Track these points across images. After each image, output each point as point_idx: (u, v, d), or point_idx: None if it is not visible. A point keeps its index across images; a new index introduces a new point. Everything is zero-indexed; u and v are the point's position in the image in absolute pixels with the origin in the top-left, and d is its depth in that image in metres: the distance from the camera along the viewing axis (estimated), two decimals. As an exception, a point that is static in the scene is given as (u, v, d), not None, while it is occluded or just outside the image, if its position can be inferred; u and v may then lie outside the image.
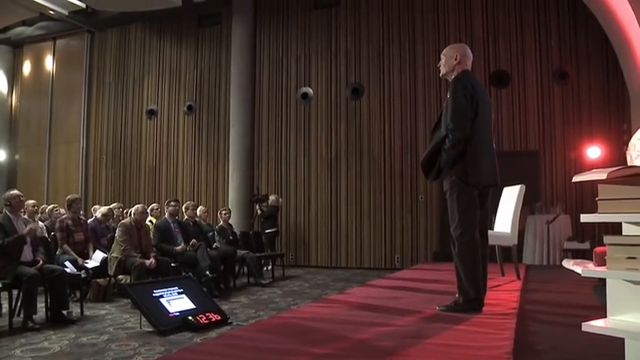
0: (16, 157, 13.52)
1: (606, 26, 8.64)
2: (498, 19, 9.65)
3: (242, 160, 10.90)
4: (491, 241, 4.17)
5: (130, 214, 6.46)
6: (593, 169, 2.33)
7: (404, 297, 4.61)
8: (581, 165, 8.58)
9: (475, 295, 3.63)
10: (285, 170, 10.82)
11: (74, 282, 5.28)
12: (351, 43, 10.56)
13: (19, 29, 13.41)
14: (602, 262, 2.57)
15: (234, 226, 8.46)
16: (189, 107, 11.78)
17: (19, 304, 4.57)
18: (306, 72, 10.87)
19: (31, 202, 6.91)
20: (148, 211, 6.97)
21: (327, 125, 10.58)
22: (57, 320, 4.54)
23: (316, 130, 10.66)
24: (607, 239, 2.12)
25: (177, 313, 4.23)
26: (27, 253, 4.76)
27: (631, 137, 2.59)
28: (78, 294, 5.35)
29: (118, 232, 5.93)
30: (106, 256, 5.95)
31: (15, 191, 5.00)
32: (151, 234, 6.58)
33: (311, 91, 10.79)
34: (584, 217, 2.24)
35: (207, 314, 4.28)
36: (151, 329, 4.08)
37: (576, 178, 2.32)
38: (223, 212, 8.08)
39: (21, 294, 4.50)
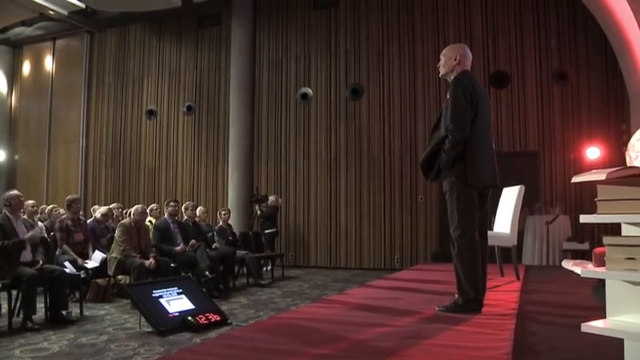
0: (16, 157, 13.52)
1: (605, 27, 8.65)
2: (498, 20, 9.66)
3: (241, 160, 10.90)
4: (490, 242, 4.17)
5: (130, 215, 6.46)
6: (592, 169, 2.33)
7: (403, 297, 4.61)
8: (580, 165, 8.58)
9: (474, 295, 3.63)
10: (284, 171, 10.82)
11: (73, 282, 5.28)
12: (351, 43, 10.56)
13: (19, 29, 13.41)
14: (601, 262, 2.57)
15: (233, 227, 8.46)
16: (189, 107, 11.78)
17: (18, 304, 4.56)
18: (306, 72, 10.87)
19: (30, 202, 6.93)
20: (148, 211, 6.96)
21: (327, 126, 10.58)
22: (56, 320, 4.54)
23: (316, 130, 10.66)
24: (606, 240, 2.12)
25: (177, 314, 4.23)
26: (26, 254, 4.76)
27: (630, 138, 2.60)
28: (77, 294, 5.35)
29: (117, 233, 5.93)
30: (105, 256, 5.95)
31: (14, 191, 5.00)
32: (151, 234, 6.58)
33: (310, 91, 10.79)
34: (584, 218, 2.24)
35: (206, 315, 4.28)
36: (150, 329, 4.08)
37: (575, 179, 2.33)
38: (223, 212, 8.08)
39: (20, 294, 4.50)
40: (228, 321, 4.42)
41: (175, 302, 4.37)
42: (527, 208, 8.19)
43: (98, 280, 5.84)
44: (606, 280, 2.20)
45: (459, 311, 3.60)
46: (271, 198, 9.77)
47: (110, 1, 11.01)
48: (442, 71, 3.93)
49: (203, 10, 11.67)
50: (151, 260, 5.76)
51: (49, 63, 13.38)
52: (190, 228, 6.97)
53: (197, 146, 11.64)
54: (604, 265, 2.14)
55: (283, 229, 10.47)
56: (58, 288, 4.67)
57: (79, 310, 4.95)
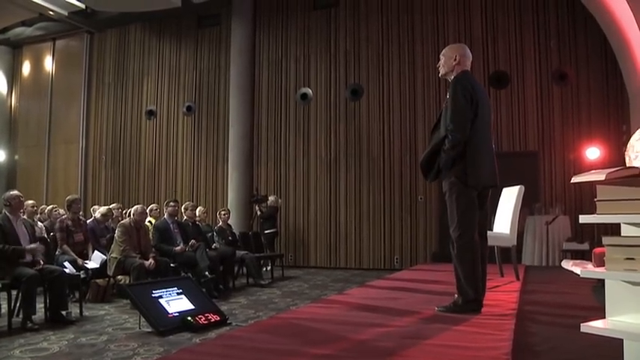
0: (16, 157, 13.52)
1: (605, 27, 8.65)
2: (497, 20, 9.66)
3: (241, 160, 10.90)
4: (490, 242, 4.17)
5: (130, 215, 6.46)
6: (592, 169, 2.33)
7: (403, 298, 4.61)
8: (580, 166, 8.58)
9: (474, 296, 3.63)
10: (284, 171, 10.83)
11: (73, 282, 5.27)
12: (351, 44, 10.57)
13: (19, 30, 13.42)
14: (601, 262, 2.57)
15: (233, 227, 8.46)
16: (189, 108, 11.78)
17: (18, 304, 4.56)
18: (306, 73, 10.87)
19: (30, 202, 6.93)
20: (147, 211, 6.96)
21: (327, 126, 10.58)
22: (56, 321, 4.53)
23: (315, 130, 10.66)
24: (605, 240, 2.12)
25: (177, 314, 4.23)
26: (26, 254, 4.75)
27: (630, 138, 2.60)
28: (77, 294, 5.34)
29: (117, 233, 5.93)
30: (105, 257, 5.95)
31: (14, 192, 5.00)
32: (150, 234, 6.58)
33: (310, 91, 10.79)
34: (583, 218, 2.24)
35: (206, 315, 4.27)
36: (150, 330, 4.08)
37: (575, 179, 2.33)
38: (222, 213, 8.08)
39: (20, 294, 4.50)
40: (228, 321, 4.42)
41: (175, 302, 4.36)
42: (526, 208, 8.19)
43: (98, 281, 5.84)
44: (606, 281, 2.20)
45: (459, 311, 3.60)
46: (271, 198, 9.77)
47: (110, 1, 11.01)
48: (442, 71, 3.93)
49: (203, 11, 11.67)
50: (151, 260, 5.76)
51: (48, 63, 13.38)
52: (190, 228, 6.97)
53: (197, 146, 11.64)
54: (604, 266, 2.14)
55: (283, 230, 10.47)
56: (58, 288, 4.66)
57: (78, 311, 4.95)
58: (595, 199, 2.19)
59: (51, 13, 11.73)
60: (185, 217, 7.15)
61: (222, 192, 11.21)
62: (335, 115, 10.54)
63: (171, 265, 6.15)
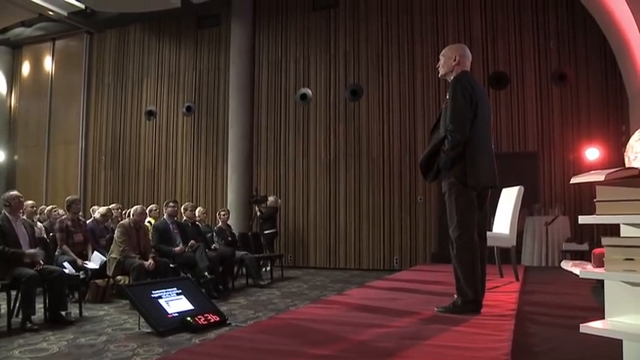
0: (15, 157, 13.51)
1: (605, 27, 8.66)
2: (497, 21, 9.66)
3: (241, 161, 10.90)
4: (489, 243, 4.17)
5: (129, 215, 6.46)
6: (591, 170, 2.33)
7: (402, 298, 4.61)
8: (579, 166, 8.59)
9: (473, 296, 3.63)
10: (284, 171, 10.82)
11: (73, 283, 5.27)
12: (350, 44, 10.57)
13: (18, 30, 13.41)
14: (600, 263, 2.57)
15: (232, 227, 8.46)
16: (188, 108, 11.78)
17: (17, 304, 4.56)
18: (305, 73, 10.87)
19: (29, 202, 6.94)
20: (147, 211, 6.96)
21: (326, 126, 10.58)
22: (55, 321, 4.53)
23: (315, 131, 10.66)
24: (605, 241, 2.12)
25: (176, 314, 4.23)
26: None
27: (629, 138, 2.60)
28: (76, 295, 5.34)
29: (116, 233, 5.93)
30: (104, 258, 5.94)
31: (14, 192, 5.00)
32: (150, 235, 6.57)
33: (310, 92, 10.79)
34: (583, 219, 2.24)
35: (205, 315, 4.27)
36: (149, 330, 4.08)
37: (574, 180, 2.33)
38: (222, 213, 8.08)
39: (19, 295, 4.50)
40: (228, 322, 4.42)
41: (174, 303, 4.36)
42: (526, 208, 8.19)
43: (97, 281, 5.83)
44: (605, 281, 2.20)
45: (458, 312, 3.60)
46: (270, 199, 9.77)
47: (110, 1, 11.01)
48: (441, 71, 3.93)
49: (202, 11, 11.67)
50: (150, 261, 5.76)
51: (48, 63, 13.38)
52: (190, 229, 6.96)
53: (196, 147, 11.64)
54: (603, 266, 2.14)
55: (282, 230, 10.47)
56: (57, 288, 4.66)
57: (78, 311, 4.94)
58: (594, 200, 2.19)
59: (50, 13, 11.73)
60: (185, 218, 7.15)
61: (221, 192, 11.20)
62: (334, 116, 10.54)
63: (171, 265, 6.15)
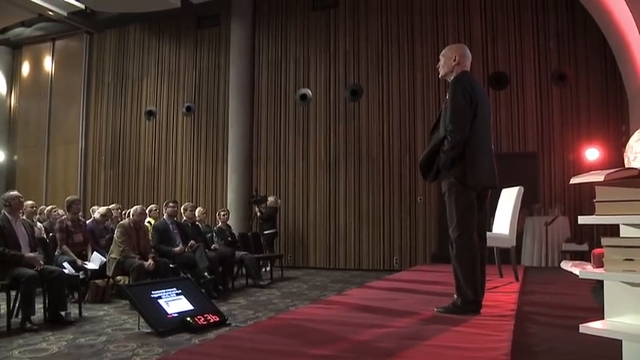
0: (15, 157, 13.51)
1: (604, 28, 8.66)
2: (497, 21, 9.66)
3: (241, 161, 10.90)
4: (489, 243, 4.17)
5: (129, 215, 6.45)
6: (591, 170, 2.33)
7: (402, 298, 4.61)
8: (579, 167, 8.59)
9: (473, 296, 3.63)
10: (283, 171, 10.82)
11: (72, 283, 5.27)
12: (350, 44, 10.57)
13: (18, 30, 13.42)
14: (600, 263, 2.57)
15: (232, 228, 8.46)
16: (188, 108, 11.78)
17: (17, 305, 4.56)
18: (305, 73, 10.87)
19: (29, 202, 6.93)
20: (147, 212, 6.96)
21: (326, 126, 10.59)
22: (55, 321, 4.53)
23: (315, 131, 10.66)
24: (604, 241, 2.12)
25: (176, 315, 4.23)
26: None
27: (629, 139, 2.59)
28: (76, 295, 5.34)
29: (116, 233, 5.93)
30: (104, 258, 5.94)
31: (14, 192, 5.00)
32: (150, 235, 6.57)
33: (310, 92, 10.79)
34: (582, 219, 2.24)
35: (205, 315, 4.27)
36: (149, 330, 4.08)
37: (574, 180, 2.33)
38: (222, 213, 8.08)
39: (19, 295, 4.50)
40: (227, 322, 4.42)
41: (174, 303, 4.36)
42: (526, 209, 8.19)
43: (97, 281, 5.83)
44: (605, 282, 2.20)
45: (458, 312, 3.60)
46: (270, 199, 9.77)
47: (109, 1, 11.01)
48: (442, 72, 3.93)
49: (202, 11, 11.67)
50: (150, 261, 5.75)
51: (48, 63, 13.38)
52: (189, 229, 6.96)
53: (196, 147, 11.64)
54: (603, 267, 2.14)
55: (282, 230, 10.47)
56: (57, 289, 4.66)
57: (77, 311, 4.95)
58: (594, 200, 2.19)
59: (50, 13, 11.73)
60: (184, 218, 7.15)
61: (221, 192, 11.20)
62: (334, 116, 10.54)
63: (171, 265, 6.14)
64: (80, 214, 6.77)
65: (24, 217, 5.52)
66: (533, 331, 3.37)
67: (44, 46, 13.43)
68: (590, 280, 4.30)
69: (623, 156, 2.74)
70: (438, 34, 9.94)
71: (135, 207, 6.33)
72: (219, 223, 7.96)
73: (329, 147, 10.52)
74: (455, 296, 3.74)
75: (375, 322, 3.46)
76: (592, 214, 2.21)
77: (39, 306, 4.65)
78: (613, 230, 2.30)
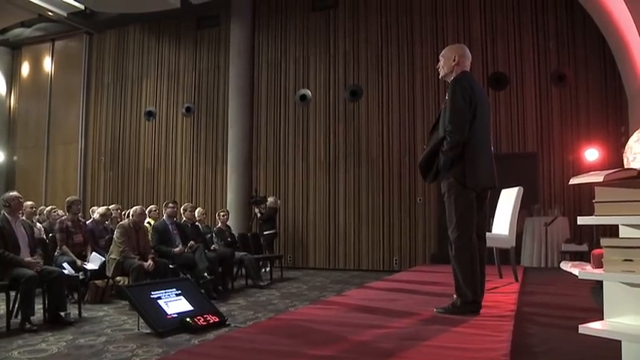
0: (15, 158, 13.51)
1: (604, 28, 8.66)
2: (496, 22, 9.67)
3: (240, 161, 10.90)
4: (489, 243, 4.17)
5: (129, 216, 6.45)
6: (590, 171, 2.33)
7: (402, 299, 4.62)
8: (579, 167, 8.59)
9: (473, 297, 3.63)
10: (283, 172, 10.83)
11: (72, 283, 5.27)
12: (350, 45, 10.57)
13: (18, 30, 13.42)
14: (599, 264, 2.57)
15: (232, 228, 8.46)
16: (188, 109, 11.78)
17: (16, 305, 4.55)
18: (305, 74, 10.88)
19: (29, 203, 6.93)
20: (147, 212, 6.96)
21: (326, 127, 10.59)
22: (54, 322, 4.53)
23: (315, 132, 10.67)
24: (604, 242, 2.13)
25: (175, 315, 4.22)
26: (25, 255, 4.75)
27: (628, 139, 2.60)
28: (76, 295, 5.34)
29: (116, 234, 5.92)
30: (103, 259, 5.94)
31: (14, 193, 5.00)
32: (149, 235, 6.57)
33: (309, 93, 10.80)
34: (582, 220, 2.25)
35: (205, 316, 4.27)
36: (148, 331, 4.08)
37: (573, 181, 2.33)
38: (221, 214, 8.08)
39: (19, 295, 4.49)
40: (227, 322, 4.41)
41: (174, 303, 4.36)
42: (525, 209, 8.19)
43: (97, 282, 5.83)
44: (604, 282, 2.20)
45: (458, 313, 3.60)
46: (270, 199, 9.77)
47: (109, 2, 11.01)
48: (442, 73, 3.93)
49: (202, 12, 11.68)
50: (150, 262, 5.75)
51: (48, 64, 13.38)
52: (189, 229, 6.96)
53: (196, 147, 11.64)
54: (602, 267, 2.14)
55: (282, 231, 10.47)
56: (57, 289, 4.66)
57: (77, 312, 4.94)
58: (593, 201, 2.19)
59: (50, 13, 11.73)
60: (184, 218, 7.15)
61: (221, 193, 11.21)
62: (334, 117, 10.55)
63: (170, 266, 6.14)
64: (80, 214, 6.77)
65: (24, 217, 5.53)
66: (532, 332, 3.37)
67: (44, 46, 13.43)
68: (590, 280, 4.30)
69: (622, 156, 2.74)
70: (438, 35, 9.95)
71: (134, 207, 6.33)
72: (219, 224, 7.96)
73: (329, 148, 10.53)
74: (454, 297, 3.74)
75: (374, 322, 3.46)
76: (591, 215, 2.21)
77: (38, 306, 4.64)
78: (612, 231, 2.30)
